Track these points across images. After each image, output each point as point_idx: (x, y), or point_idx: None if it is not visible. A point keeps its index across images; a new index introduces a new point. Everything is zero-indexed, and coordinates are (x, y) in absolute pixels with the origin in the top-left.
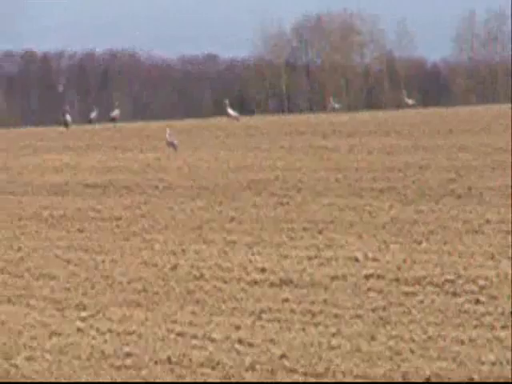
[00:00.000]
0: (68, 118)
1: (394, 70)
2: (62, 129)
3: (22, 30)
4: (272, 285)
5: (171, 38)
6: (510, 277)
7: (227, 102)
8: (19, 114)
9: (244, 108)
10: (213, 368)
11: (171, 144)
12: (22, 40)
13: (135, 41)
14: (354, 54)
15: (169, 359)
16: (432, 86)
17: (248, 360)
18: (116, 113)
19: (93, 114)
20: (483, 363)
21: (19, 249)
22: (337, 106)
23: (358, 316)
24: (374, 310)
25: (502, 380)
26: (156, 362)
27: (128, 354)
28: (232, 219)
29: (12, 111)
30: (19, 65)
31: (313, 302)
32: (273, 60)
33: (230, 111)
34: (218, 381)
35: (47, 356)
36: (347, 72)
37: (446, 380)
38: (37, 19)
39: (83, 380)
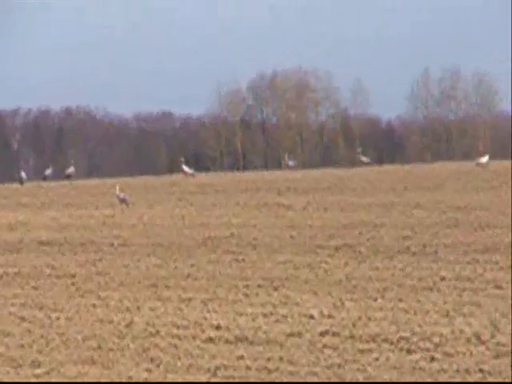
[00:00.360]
0: (23, 175)
1: (348, 128)
2: (16, 186)
3: None
4: (227, 342)
5: (127, 95)
6: (464, 334)
7: (183, 159)
8: None
9: (199, 165)
10: None
11: (123, 200)
12: None
13: (91, 98)
14: (309, 111)
15: None
16: (387, 144)
17: None
18: (71, 170)
19: (48, 171)
20: None
21: None
22: (291, 163)
23: (314, 373)
24: (329, 367)
25: (502, 380)
26: None
27: None
28: (187, 276)
29: None
30: None
31: (268, 359)
32: (228, 117)
33: (186, 168)
34: None
35: None
36: (302, 129)
37: None
38: None
39: None
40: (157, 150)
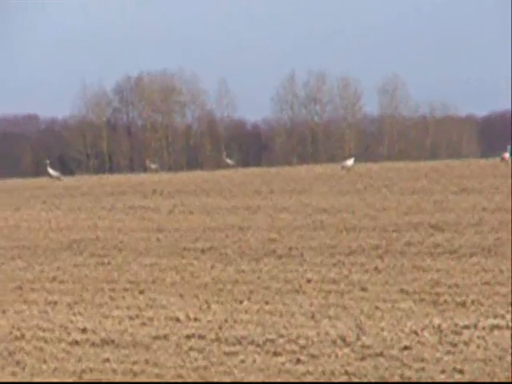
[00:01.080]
0: None
1: (214, 130)
2: None
3: None
4: (93, 345)
5: None
6: (330, 336)
7: (48, 161)
8: None
9: (65, 168)
10: None
11: None
12: None
13: None
14: (176, 114)
15: None
16: (253, 146)
17: None
18: None
19: None
20: None
21: None
22: (153, 166)
23: (180, 376)
24: (195, 370)
25: (502, 380)
26: None
27: None
28: (53, 279)
29: None
30: None
31: (134, 362)
32: (94, 120)
33: (51, 171)
34: None
35: None
36: (168, 132)
37: None
38: None
39: None
40: (21, 152)
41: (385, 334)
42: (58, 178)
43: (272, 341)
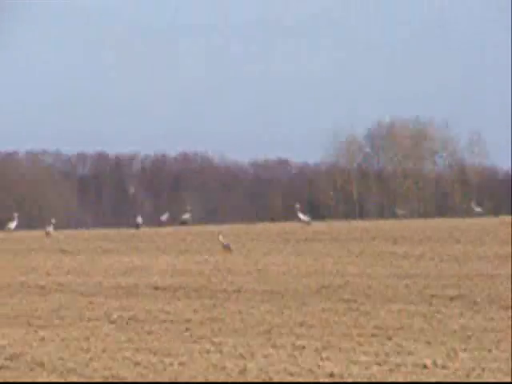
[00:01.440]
0: (139, 220)
1: (465, 178)
2: (133, 231)
3: (95, 130)
4: None
5: (242, 141)
6: None
7: (298, 206)
8: (91, 215)
9: (314, 213)
10: None
11: (226, 247)
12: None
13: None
14: (426, 160)
15: None
16: (505, 195)
17: None
18: (187, 216)
19: (164, 217)
20: None
21: (88, 349)
22: (401, 212)
23: None
24: None
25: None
26: None
27: None
28: (301, 324)
29: (84, 212)
30: (92, 166)
31: None
32: (344, 165)
33: (301, 216)
34: None
35: None
36: (419, 178)
37: None
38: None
39: None
40: (272, 197)
41: None
42: (307, 223)
43: None
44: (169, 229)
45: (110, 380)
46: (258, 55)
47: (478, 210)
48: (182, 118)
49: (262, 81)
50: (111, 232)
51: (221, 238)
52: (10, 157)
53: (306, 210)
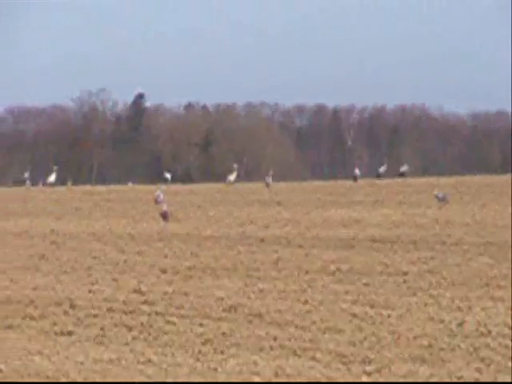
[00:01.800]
0: (357, 172)
1: None
2: (350, 183)
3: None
4: None
5: (461, 93)
6: None
7: None
8: (309, 167)
9: None
10: None
11: (442, 199)
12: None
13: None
14: None
15: None
16: None
17: None
18: (405, 168)
19: (381, 169)
20: None
21: (306, 302)
22: None
23: None
24: None
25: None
26: None
27: None
28: None
29: (301, 164)
30: (310, 118)
31: None
32: None
33: None
34: None
35: None
36: None
37: None
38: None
39: None
40: (490, 148)
41: None
42: None
43: None
44: (386, 181)
45: (326, 331)
46: None
47: None
48: (401, 68)
49: None
50: (328, 184)
51: (436, 191)
52: (229, 108)
53: None
